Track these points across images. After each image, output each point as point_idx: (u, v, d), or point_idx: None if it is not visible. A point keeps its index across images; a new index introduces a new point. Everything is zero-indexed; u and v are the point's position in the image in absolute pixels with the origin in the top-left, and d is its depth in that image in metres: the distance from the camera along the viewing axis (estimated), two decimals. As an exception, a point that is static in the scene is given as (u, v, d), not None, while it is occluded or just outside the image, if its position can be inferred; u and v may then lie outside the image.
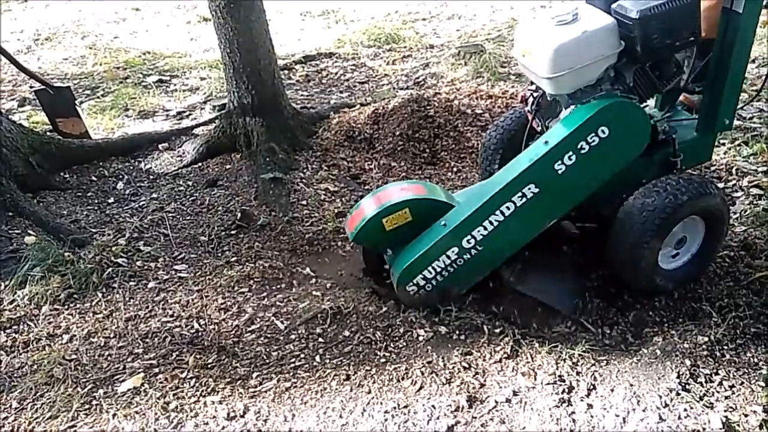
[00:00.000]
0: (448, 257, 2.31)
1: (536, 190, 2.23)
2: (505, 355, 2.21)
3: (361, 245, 2.59)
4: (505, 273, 2.42)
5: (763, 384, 1.99)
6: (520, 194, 2.24)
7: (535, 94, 2.54)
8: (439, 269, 2.33)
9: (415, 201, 2.37)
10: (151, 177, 3.83)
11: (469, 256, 2.31)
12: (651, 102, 2.69)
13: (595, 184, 2.30)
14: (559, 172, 2.22)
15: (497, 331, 2.30)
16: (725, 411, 1.92)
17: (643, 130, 2.27)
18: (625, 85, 2.32)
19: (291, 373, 2.23)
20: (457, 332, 2.30)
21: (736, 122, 3.55)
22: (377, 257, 2.61)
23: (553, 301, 2.38)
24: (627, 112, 2.22)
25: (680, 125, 2.54)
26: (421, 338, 2.31)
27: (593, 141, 2.19)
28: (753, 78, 4.08)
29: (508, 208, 2.26)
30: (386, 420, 2.00)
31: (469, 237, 2.28)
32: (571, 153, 2.20)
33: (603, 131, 2.18)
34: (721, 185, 3.06)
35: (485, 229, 2.27)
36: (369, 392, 2.12)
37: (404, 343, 2.31)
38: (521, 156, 2.36)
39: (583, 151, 2.20)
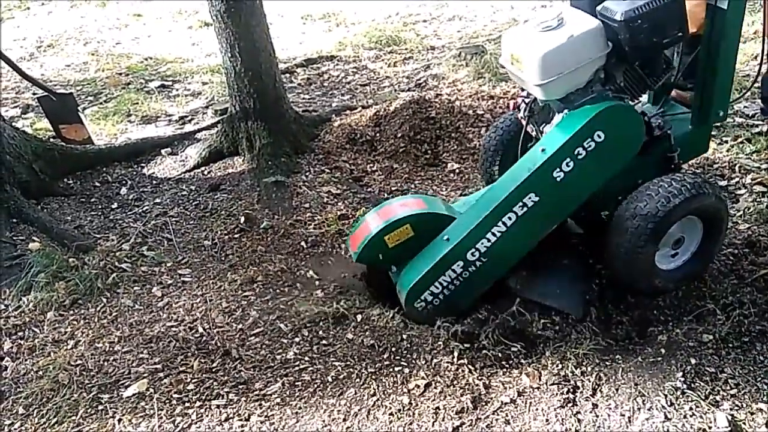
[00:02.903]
0: (454, 271, 2.30)
1: (536, 199, 2.23)
2: (510, 356, 2.21)
3: (365, 264, 2.59)
4: (510, 282, 2.41)
5: (768, 382, 1.99)
6: (520, 204, 2.23)
7: (527, 100, 2.53)
8: (445, 284, 2.32)
9: (415, 216, 2.38)
10: (155, 182, 3.84)
11: (474, 268, 2.30)
12: (644, 97, 2.68)
13: (592, 189, 2.29)
14: (558, 179, 2.21)
15: (500, 332, 2.30)
16: (731, 409, 1.91)
17: (637, 131, 2.26)
18: (616, 85, 2.31)
19: (295, 376, 2.24)
20: (461, 334, 2.30)
21: (738, 120, 3.57)
22: (382, 274, 2.59)
23: (562, 304, 2.36)
24: (620, 115, 2.21)
25: (675, 119, 2.52)
26: (424, 340, 2.31)
27: (590, 146, 2.18)
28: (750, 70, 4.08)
29: (509, 218, 2.24)
30: (391, 422, 2.00)
31: (473, 250, 2.27)
32: (568, 159, 2.18)
33: (599, 135, 2.17)
34: (724, 183, 3.06)
35: (488, 241, 2.26)
36: (374, 394, 2.12)
37: (408, 345, 2.31)
38: (519, 164, 2.34)
39: (580, 157, 2.19)
